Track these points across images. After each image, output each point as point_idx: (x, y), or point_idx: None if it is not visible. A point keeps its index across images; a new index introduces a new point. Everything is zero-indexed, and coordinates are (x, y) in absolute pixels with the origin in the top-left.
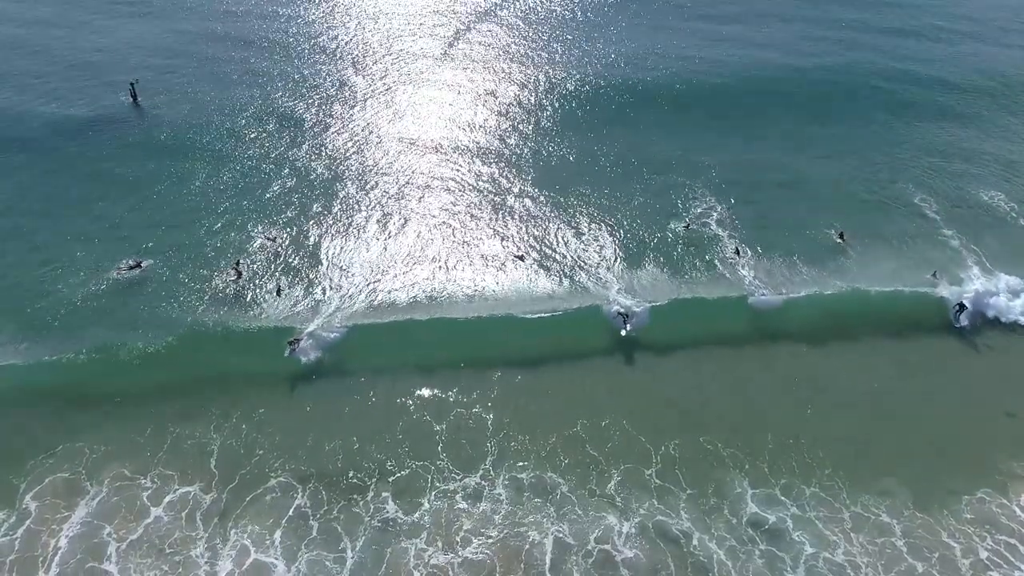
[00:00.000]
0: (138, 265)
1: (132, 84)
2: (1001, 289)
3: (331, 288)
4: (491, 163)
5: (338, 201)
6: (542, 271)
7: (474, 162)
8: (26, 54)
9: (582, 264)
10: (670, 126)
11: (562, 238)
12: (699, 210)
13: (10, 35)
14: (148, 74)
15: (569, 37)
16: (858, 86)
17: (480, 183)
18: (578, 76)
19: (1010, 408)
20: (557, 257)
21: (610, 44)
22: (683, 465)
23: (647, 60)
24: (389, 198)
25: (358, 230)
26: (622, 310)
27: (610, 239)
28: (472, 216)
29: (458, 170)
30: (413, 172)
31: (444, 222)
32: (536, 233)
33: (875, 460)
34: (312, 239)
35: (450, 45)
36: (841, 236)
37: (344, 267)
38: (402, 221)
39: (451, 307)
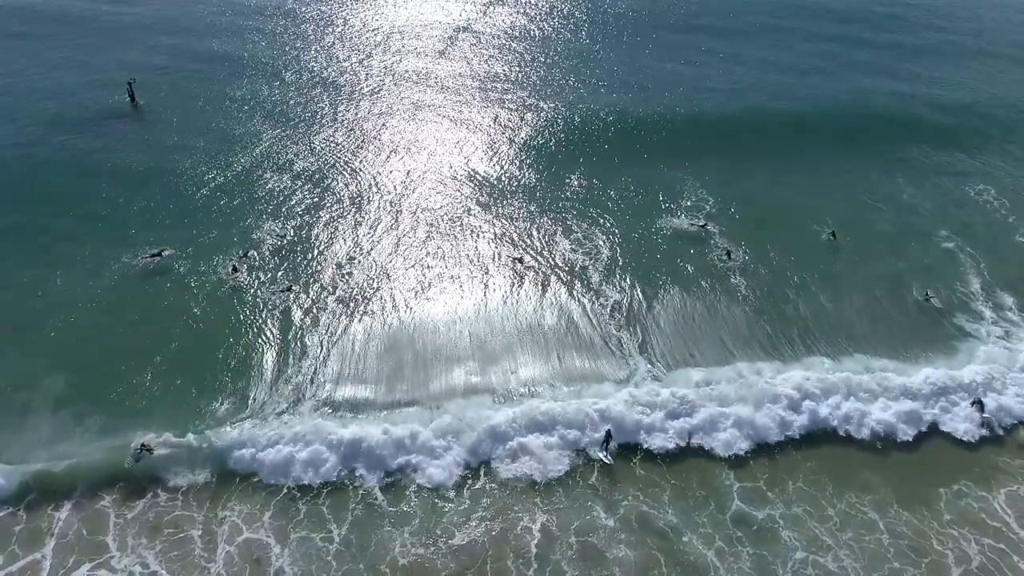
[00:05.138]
0: (159, 254)
1: (130, 83)
2: None
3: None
4: (494, 185)
5: (338, 201)
6: (541, 283)
7: (476, 181)
8: (23, 57)
9: (580, 273)
10: (666, 135)
11: (560, 243)
12: (689, 203)
13: (8, 38)
14: (146, 75)
15: (566, 58)
16: (855, 101)
17: (481, 202)
18: (574, 98)
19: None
20: (554, 265)
21: (609, 67)
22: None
23: (647, 82)
24: (389, 199)
25: (355, 238)
26: (608, 427)
27: (605, 246)
28: (472, 227)
29: (458, 187)
30: (409, 179)
31: (444, 232)
32: (540, 249)
33: (858, 455)
34: (317, 239)
35: (442, 59)
36: (833, 235)
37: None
38: (399, 230)
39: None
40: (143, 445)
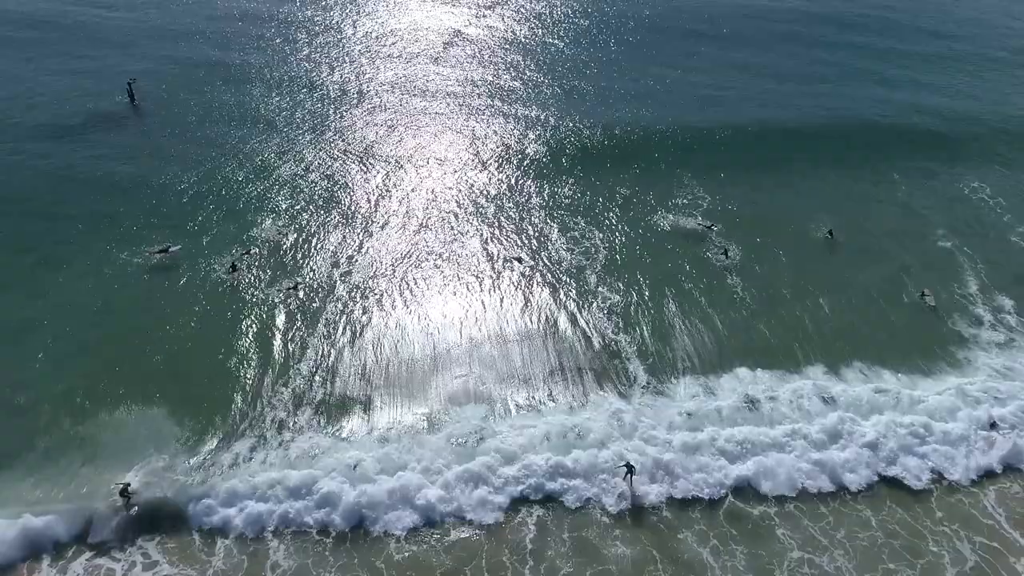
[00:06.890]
0: (166, 251)
1: (129, 83)
2: None
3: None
4: (494, 187)
5: (338, 201)
6: (540, 284)
7: (475, 183)
8: (21, 60)
9: (578, 274)
10: (664, 138)
11: (558, 242)
12: (686, 202)
13: (7, 42)
14: (146, 77)
15: (564, 62)
16: (852, 106)
17: (480, 203)
18: (574, 101)
19: None
20: (553, 265)
21: (608, 72)
22: None
23: (646, 87)
24: (389, 200)
25: (352, 244)
26: (632, 463)
27: (604, 245)
28: (471, 227)
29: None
30: (410, 181)
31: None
32: (539, 249)
33: None
34: (318, 239)
35: (442, 64)
36: (830, 233)
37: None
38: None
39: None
40: (123, 491)
